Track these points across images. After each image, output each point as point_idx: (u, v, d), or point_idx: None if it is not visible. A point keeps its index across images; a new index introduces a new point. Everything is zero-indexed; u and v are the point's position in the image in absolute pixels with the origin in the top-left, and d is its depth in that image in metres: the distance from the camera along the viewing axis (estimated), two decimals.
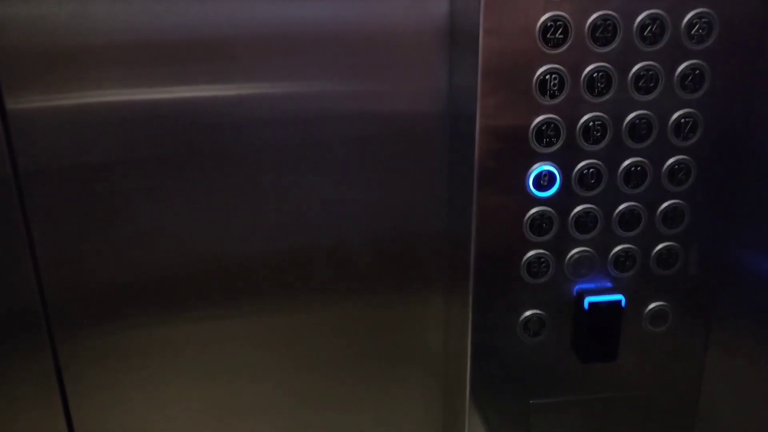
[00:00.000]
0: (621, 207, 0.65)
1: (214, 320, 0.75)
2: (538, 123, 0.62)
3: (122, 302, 0.73)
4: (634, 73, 0.61)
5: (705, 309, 0.71)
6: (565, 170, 0.63)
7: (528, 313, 0.68)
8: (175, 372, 0.76)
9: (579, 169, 0.64)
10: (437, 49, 0.67)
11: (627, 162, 0.64)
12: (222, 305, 0.74)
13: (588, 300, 0.67)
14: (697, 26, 0.60)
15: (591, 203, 0.65)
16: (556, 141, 0.62)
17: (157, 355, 0.75)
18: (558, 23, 0.59)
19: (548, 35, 0.59)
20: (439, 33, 0.66)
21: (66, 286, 0.71)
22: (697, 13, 0.60)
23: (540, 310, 0.68)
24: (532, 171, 0.63)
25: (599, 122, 0.62)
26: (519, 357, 0.70)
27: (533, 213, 0.65)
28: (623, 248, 0.67)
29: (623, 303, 0.68)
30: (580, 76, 0.61)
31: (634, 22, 0.60)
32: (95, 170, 0.67)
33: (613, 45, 0.60)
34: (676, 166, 0.65)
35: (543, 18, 0.59)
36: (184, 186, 0.69)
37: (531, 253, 0.66)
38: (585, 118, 0.62)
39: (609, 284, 0.68)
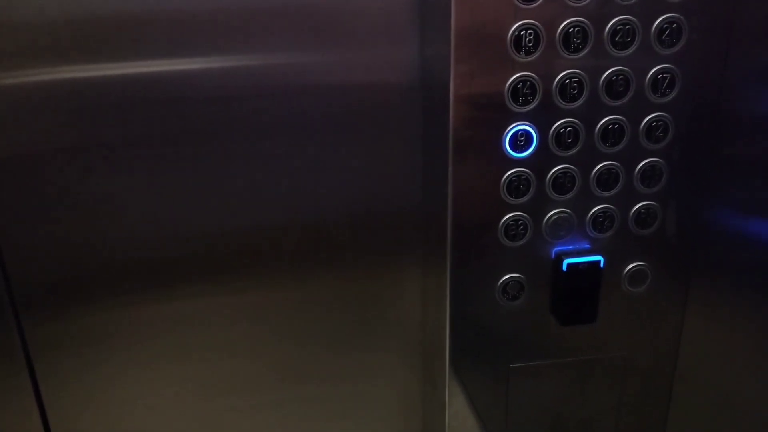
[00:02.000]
0: (598, 166, 0.65)
1: (188, 299, 0.73)
2: (513, 81, 0.60)
3: (92, 285, 0.71)
4: (610, 28, 0.60)
5: (684, 269, 0.71)
6: (542, 130, 0.62)
7: (506, 277, 0.68)
8: (150, 352, 0.75)
9: (556, 129, 0.62)
10: (408, 16, 0.65)
11: (604, 120, 0.63)
12: (196, 283, 0.73)
13: (566, 262, 0.66)
14: None
15: (568, 163, 0.64)
16: (532, 99, 0.61)
17: (131, 336, 0.74)
18: None
19: None
20: (410, 2, 0.64)
21: (31, 270, 0.69)
22: None
23: (518, 273, 0.68)
24: (509, 131, 0.62)
25: (576, 79, 0.61)
26: (498, 322, 0.70)
27: (510, 175, 0.64)
28: (601, 208, 0.66)
29: (602, 264, 0.67)
30: (556, 32, 0.59)
31: None
32: (56, 152, 0.65)
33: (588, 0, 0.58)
34: (654, 124, 0.64)
35: None
36: (152, 164, 0.68)
37: (508, 215, 0.65)
38: (561, 75, 0.61)
39: (587, 245, 0.68)
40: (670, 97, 0.63)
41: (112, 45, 0.63)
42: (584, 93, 0.61)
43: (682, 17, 0.60)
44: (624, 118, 0.63)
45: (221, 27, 0.64)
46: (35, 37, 0.61)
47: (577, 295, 0.68)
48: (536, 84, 0.60)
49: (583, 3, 0.58)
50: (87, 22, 0.62)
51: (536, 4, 0.58)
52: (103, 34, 0.62)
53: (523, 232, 0.66)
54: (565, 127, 0.62)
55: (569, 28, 0.59)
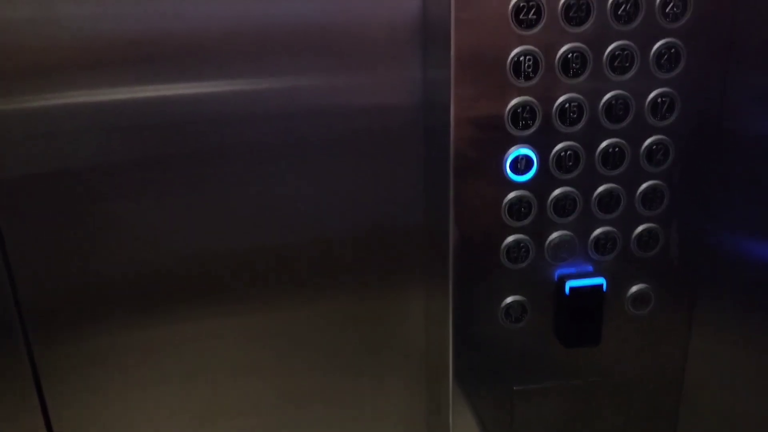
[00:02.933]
0: (600, 189, 0.65)
1: (195, 320, 0.74)
2: (513, 106, 0.61)
3: (100, 305, 0.71)
4: (609, 53, 0.60)
5: (688, 291, 0.71)
6: (542, 153, 0.63)
7: (509, 299, 0.68)
8: (156, 373, 0.75)
9: (556, 152, 0.63)
10: (411, 40, 0.66)
11: (604, 143, 0.63)
12: (202, 304, 0.73)
13: (569, 284, 0.66)
14: (671, 4, 0.59)
15: (569, 186, 0.64)
16: (532, 123, 0.61)
17: (138, 357, 0.74)
18: (531, 4, 0.58)
19: (521, 16, 0.58)
20: (412, 25, 0.66)
21: (41, 290, 0.70)
22: None
23: (521, 295, 0.68)
24: (509, 155, 0.62)
25: (575, 103, 0.61)
26: (501, 343, 0.70)
27: (511, 198, 0.64)
28: (603, 231, 0.67)
29: (605, 287, 0.67)
30: (555, 57, 0.60)
31: (608, 1, 0.59)
32: (67, 174, 0.66)
33: (587, 25, 0.59)
34: (654, 147, 0.64)
35: None
36: (160, 186, 0.68)
37: (510, 238, 0.66)
38: (561, 99, 0.61)
39: (590, 268, 0.68)
40: (670, 120, 0.63)
41: (118, 69, 0.64)
42: (584, 117, 0.62)
43: (680, 42, 0.61)
44: (624, 142, 0.63)
45: (226, 51, 0.65)
46: (43, 61, 0.62)
47: (581, 317, 0.68)
48: (536, 108, 0.61)
49: (582, 29, 0.59)
50: (93, 45, 0.63)
51: (535, 31, 0.59)
52: (110, 57, 0.63)
53: (525, 254, 0.66)
54: (566, 151, 0.63)
55: (568, 54, 0.60)
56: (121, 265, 0.70)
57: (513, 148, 0.62)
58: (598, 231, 0.66)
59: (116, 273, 0.71)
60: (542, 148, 0.63)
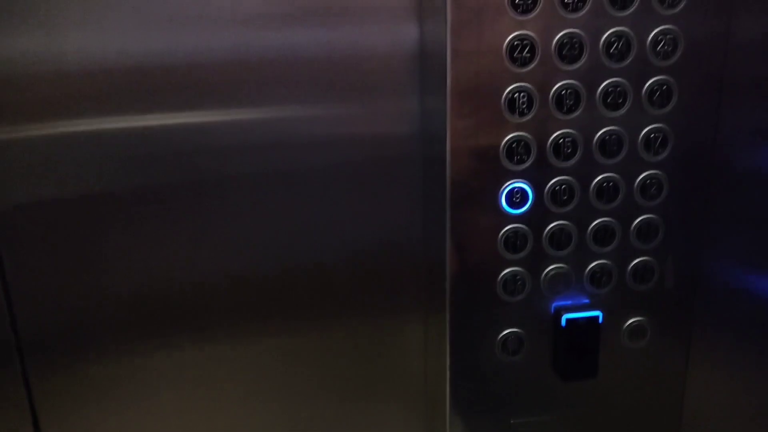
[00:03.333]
0: (595, 223, 0.66)
1: (191, 348, 0.74)
2: (508, 141, 0.62)
3: (98, 333, 0.72)
4: (602, 90, 0.62)
5: (684, 323, 0.71)
6: (538, 187, 0.64)
7: (506, 331, 0.68)
8: (154, 402, 0.75)
9: (551, 186, 0.64)
10: (409, 72, 0.67)
11: (599, 178, 0.64)
12: (199, 333, 0.74)
13: (565, 317, 0.67)
14: (662, 43, 0.61)
15: (565, 219, 0.65)
16: (527, 158, 0.62)
17: (135, 386, 0.74)
18: (525, 42, 0.59)
19: (515, 54, 0.60)
20: (410, 57, 0.67)
21: (39, 317, 0.70)
22: (661, 30, 0.60)
23: (518, 328, 0.68)
24: (505, 188, 0.63)
25: (569, 139, 0.62)
26: (498, 376, 0.70)
27: (507, 230, 0.65)
28: (599, 264, 0.67)
29: (601, 319, 0.67)
30: (549, 94, 0.61)
31: (600, 40, 0.60)
32: (68, 202, 0.67)
33: (580, 63, 0.61)
34: (648, 181, 0.65)
35: (510, 37, 0.59)
36: (158, 215, 0.69)
37: (507, 270, 0.66)
38: (555, 135, 0.62)
39: (586, 300, 0.68)
40: (663, 155, 0.64)
41: (119, 99, 0.65)
42: (578, 152, 0.63)
43: (671, 79, 0.62)
44: (618, 176, 0.64)
45: (226, 82, 0.66)
46: (47, 91, 0.64)
47: (577, 350, 0.68)
48: (530, 143, 0.62)
49: (575, 67, 0.61)
50: (96, 76, 0.64)
51: (529, 68, 0.60)
52: (111, 88, 0.64)
53: (521, 287, 0.67)
54: (560, 185, 0.64)
55: (562, 91, 0.61)
56: (119, 292, 0.71)
57: (508, 182, 0.63)
58: (593, 264, 0.67)
59: (114, 301, 0.71)
60: (537, 182, 0.64)
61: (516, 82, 0.60)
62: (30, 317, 0.70)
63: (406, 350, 0.77)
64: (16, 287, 0.69)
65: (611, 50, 0.60)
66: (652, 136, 0.63)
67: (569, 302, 0.68)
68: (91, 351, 0.72)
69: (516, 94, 0.61)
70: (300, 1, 0.65)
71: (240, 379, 0.76)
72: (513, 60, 0.60)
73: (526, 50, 0.60)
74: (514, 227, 0.65)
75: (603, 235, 0.66)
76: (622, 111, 0.62)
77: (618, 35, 0.60)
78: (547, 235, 0.65)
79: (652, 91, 0.62)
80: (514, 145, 0.62)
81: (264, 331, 0.75)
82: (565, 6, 0.59)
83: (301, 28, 0.65)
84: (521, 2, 0.58)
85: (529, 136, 0.62)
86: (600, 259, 0.67)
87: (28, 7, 0.61)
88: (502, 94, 0.61)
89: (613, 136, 0.63)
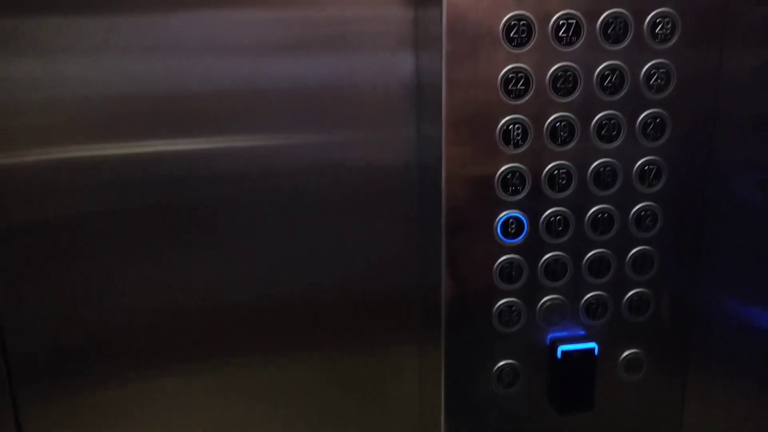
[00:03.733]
0: (590, 254, 0.66)
1: (183, 376, 0.73)
2: (503, 172, 0.62)
3: (89, 360, 0.71)
4: (596, 122, 0.62)
5: (681, 355, 0.71)
6: (532, 218, 0.64)
7: (501, 363, 0.68)
8: (145, 429, 0.74)
9: (546, 217, 0.64)
10: (405, 102, 0.68)
11: (594, 209, 0.64)
12: (192, 360, 0.73)
13: (561, 349, 0.66)
14: (655, 76, 0.62)
15: (560, 250, 0.65)
16: (522, 189, 0.63)
17: (126, 413, 0.73)
18: (519, 75, 0.60)
19: (510, 87, 0.60)
20: (407, 87, 0.67)
21: (29, 344, 0.69)
22: (654, 64, 0.61)
23: (513, 359, 0.68)
24: (500, 219, 0.63)
25: (564, 170, 0.63)
26: (494, 408, 0.69)
27: (502, 261, 0.65)
28: (594, 295, 0.67)
29: (596, 351, 0.67)
30: (543, 126, 0.62)
31: (594, 73, 0.61)
32: (61, 228, 0.67)
33: (575, 95, 0.61)
34: (643, 213, 0.65)
35: (504, 70, 0.60)
36: (152, 241, 0.69)
37: (502, 301, 0.66)
38: (549, 166, 0.63)
39: (582, 332, 0.68)
40: (658, 187, 0.64)
41: (115, 126, 0.65)
42: (573, 183, 0.63)
43: (665, 112, 0.63)
44: (613, 208, 0.64)
45: (222, 109, 0.66)
46: (44, 118, 0.64)
47: (573, 382, 0.67)
48: (525, 174, 0.62)
49: (569, 99, 0.61)
50: (92, 104, 0.64)
51: (524, 100, 0.61)
52: (107, 115, 0.65)
53: (516, 318, 0.66)
54: (555, 216, 0.64)
55: (556, 123, 0.62)
56: (110, 319, 0.70)
57: (503, 212, 0.63)
58: (589, 295, 0.67)
59: (106, 328, 0.70)
60: (532, 212, 0.64)
61: (511, 114, 0.61)
62: (20, 344, 0.69)
63: (401, 380, 0.77)
64: (6, 313, 0.68)
65: (605, 83, 0.61)
66: (647, 168, 0.64)
67: (565, 334, 0.67)
68: (82, 379, 0.71)
69: (511, 126, 0.61)
70: (297, 31, 0.65)
71: (232, 409, 0.75)
72: (508, 92, 0.60)
73: (521, 83, 0.60)
74: (509, 258, 0.65)
75: (598, 266, 0.66)
76: (617, 143, 0.63)
77: (612, 69, 0.61)
78: (542, 265, 0.65)
79: (645, 123, 0.63)
80: (509, 176, 0.62)
81: (256, 359, 0.74)
82: (559, 40, 0.60)
83: (297, 58, 0.66)
84: (516, 36, 0.59)
85: (523, 167, 0.62)
86: (595, 290, 0.67)
87: (26, 34, 0.62)
88: (497, 126, 0.61)
89: (608, 168, 0.63)
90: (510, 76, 0.60)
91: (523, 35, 0.59)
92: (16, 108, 0.63)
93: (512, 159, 0.62)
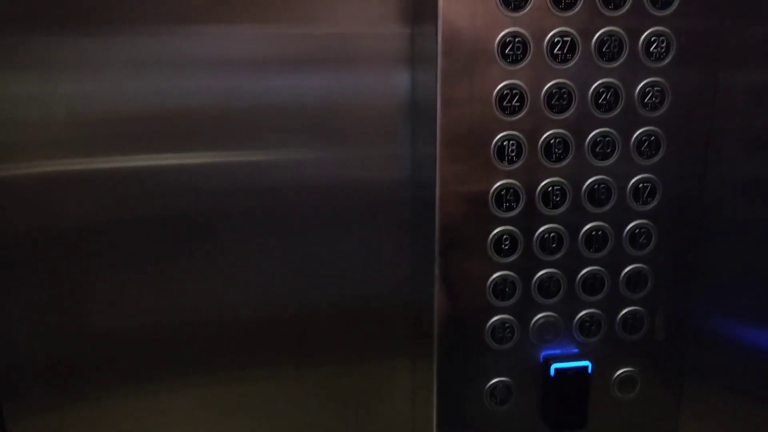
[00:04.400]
0: (584, 271, 0.65)
1: (176, 390, 0.73)
2: (497, 188, 0.62)
3: (79, 376, 0.71)
4: (590, 140, 0.62)
5: (675, 374, 0.70)
6: (526, 235, 0.63)
7: (494, 380, 0.67)
8: None
9: (540, 234, 0.64)
10: (400, 118, 0.68)
11: (588, 226, 0.64)
12: (185, 374, 0.72)
13: (554, 366, 0.66)
14: (650, 94, 0.62)
15: (553, 267, 0.65)
16: (516, 206, 0.62)
17: (113, 426, 0.73)
18: (514, 91, 0.60)
19: (505, 103, 0.60)
20: (402, 103, 0.67)
21: (14, 357, 0.69)
22: (649, 82, 0.61)
23: (506, 377, 0.67)
24: (493, 235, 0.63)
25: (558, 187, 0.63)
26: (486, 425, 0.68)
27: (496, 277, 0.64)
28: (588, 313, 0.67)
29: (590, 369, 0.66)
30: (538, 143, 0.61)
31: (588, 91, 0.61)
32: (49, 242, 0.67)
33: (569, 112, 0.61)
34: (637, 230, 0.65)
35: (499, 86, 0.60)
36: (145, 255, 0.69)
37: (495, 318, 0.65)
38: (544, 183, 0.62)
39: (575, 350, 0.67)
40: (652, 205, 0.64)
41: (111, 141, 0.65)
42: (567, 200, 0.63)
43: (659, 130, 0.62)
44: (607, 225, 0.64)
45: (218, 125, 0.66)
46: (35, 132, 0.64)
47: (566, 400, 0.67)
48: (519, 191, 0.62)
49: (564, 116, 0.61)
50: (88, 119, 0.64)
51: (518, 117, 0.61)
52: (104, 130, 0.65)
53: (510, 335, 0.66)
54: (549, 233, 0.64)
55: (551, 140, 0.61)
56: (100, 334, 0.70)
57: (497, 228, 0.63)
58: (582, 313, 0.66)
59: (97, 341, 0.70)
60: (526, 229, 0.63)
61: (505, 131, 0.61)
62: (7, 358, 0.69)
63: (393, 396, 0.76)
64: None
65: (600, 101, 0.61)
66: (641, 185, 0.64)
67: (558, 351, 0.67)
68: (71, 392, 0.71)
69: (505, 142, 0.61)
70: (293, 48, 0.65)
71: (223, 423, 0.75)
72: (502, 109, 0.60)
73: (516, 99, 0.60)
74: (502, 274, 0.64)
75: (592, 283, 0.66)
76: (611, 161, 0.63)
77: (606, 86, 0.61)
78: (535, 282, 0.65)
79: (640, 141, 0.63)
80: (503, 192, 0.62)
81: (248, 374, 0.74)
82: (554, 57, 0.60)
83: (292, 74, 0.66)
84: (511, 52, 0.59)
85: (518, 183, 0.62)
86: (589, 308, 0.66)
87: (21, 49, 0.62)
88: (492, 142, 0.61)
89: (602, 186, 0.63)
90: (505, 92, 0.60)
91: (518, 52, 0.59)
92: (12, 123, 0.63)
93: (506, 175, 0.62)
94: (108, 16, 0.62)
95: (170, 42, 0.64)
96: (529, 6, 0.58)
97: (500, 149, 0.61)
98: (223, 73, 0.65)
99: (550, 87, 0.60)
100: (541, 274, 0.65)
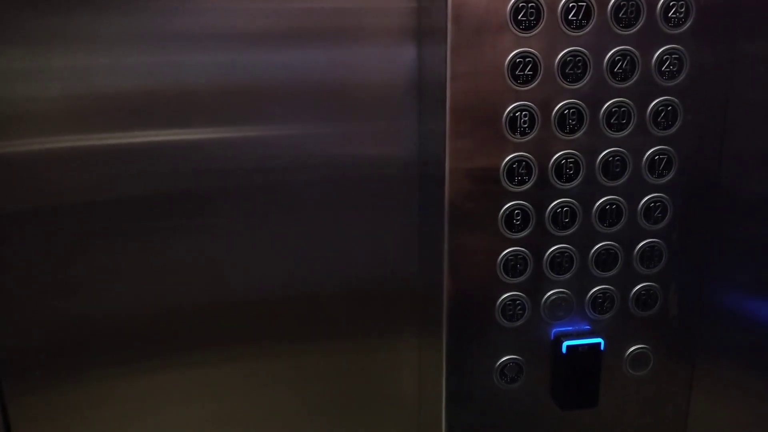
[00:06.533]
0: (597, 247, 0.64)
1: (180, 370, 0.72)
2: (508, 161, 0.60)
3: (80, 355, 0.69)
4: (605, 110, 0.60)
5: (687, 351, 0.69)
6: (538, 209, 0.62)
7: (504, 358, 0.66)
8: (139, 424, 0.73)
9: (552, 208, 0.62)
10: (406, 93, 0.66)
11: (601, 200, 0.62)
12: (188, 354, 0.72)
13: (566, 344, 0.64)
14: (667, 62, 0.59)
15: (566, 243, 0.63)
16: (528, 179, 0.61)
17: (120, 409, 0.72)
18: (527, 60, 0.58)
19: (517, 72, 0.58)
20: (408, 78, 0.65)
21: (16, 339, 0.68)
22: (666, 49, 0.59)
23: (517, 355, 0.66)
24: (505, 210, 0.61)
25: (572, 160, 0.61)
26: (496, 404, 0.67)
27: (507, 254, 0.63)
28: (601, 289, 0.65)
29: (602, 346, 0.65)
30: (551, 114, 0.59)
31: (604, 59, 0.59)
32: (45, 219, 0.65)
33: (584, 81, 0.59)
34: (652, 204, 0.63)
35: (511, 55, 0.57)
36: (147, 233, 0.67)
37: (505, 295, 0.64)
38: (557, 155, 0.60)
39: (587, 327, 0.66)
40: (667, 178, 0.62)
41: (107, 117, 0.63)
42: (580, 174, 0.61)
43: (676, 100, 0.60)
44: (621, 199, 0.62)
45: (220, 100, 0.64)
46: (29, 107, 0.62)
47: (578, 378, 0.66)
48: (532, 164, 0.60)
49: (578, 85, 0.59)
50: (83, 94, 0.63)
51: (531, 86, 0.58)
52: (99, 106, 0.63)
53: (521, 312, 0.64)
54: (562, 207, 0.62)
55: (564, 110, 0.59)
56: (99, 313, 0.69)
57: (508, 203, 0.61)
58: (595, 289, 0.65)
59: (99, 322, 0.69)
60: (538, 204, 0.62)
61: (517, 101, 0.59)
62: (7, 338, 0.67)
63: (401, 375, 0.75)
64: None
65: (615, 69, 0.59)
66: (656, 158, 0.62)
67: (570, 328, 0.65)
68: (73, 374, 0.70)
69: (517, 113, 0.59)
70: (297, 22, 0.63)
71: (229, 403, 0.74)
72: (515, 78, 0.58)
73: (528, 68, 0.58)
74: (513, 250, 0.63)
75: (605, 259, 0.64)
76: (626, 132, 0.61)
77: (622, 54, 0.59)
78: (547, 258, 0.63)
79: (656, 112, 0.60)
80: (514, 166, 0.60)
81: (255, 354, 0.73)
82: (569, 23, 0.57)
83: (298, 49, 0.64)
84: (524, 18, 0.57)
85: (530, 156, 0.60)
86: (602, 284, 0.65)
87: (12, 23, 0.60)
88: (503, 113, 0.59)
89: (617, 158, 0.61)
90: (517, 60, 0.58)
91: (532, 18, 0.57)
92: (4, 98, 0.61)
93: (518, 148, 0.60)
94: None
95: (169, 15, 0.62)
96: None
97: (512, 120, 0.59)
98: (224, 48, 0.63)
99: (564, 55, 0.58)
100: (553, 250, 0.63)
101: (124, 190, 0.66)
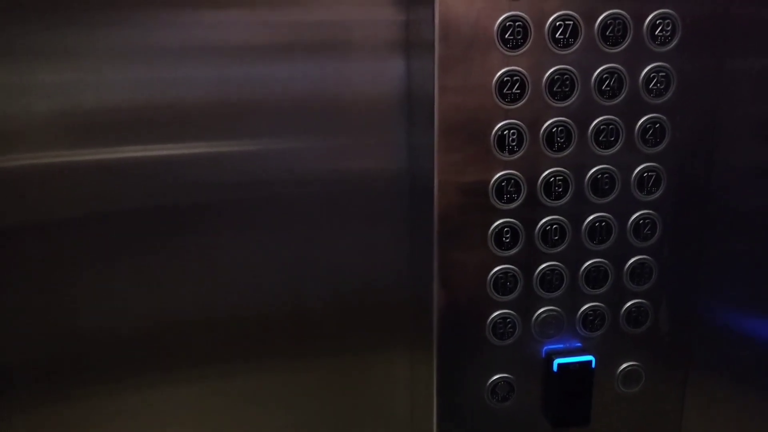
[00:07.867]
0: (587, 264, 0.63)
1: (174, 385, 0.71)
2: (497, 179, 0.60)
3: (74, 371, 0.69)
4: (593, 128, 0.60)
5: (679, 368, 0.69)
6: (528, 227, 0.61)
7: (495, 377, 0.65)
8: None
9: (542, 226, 0.62)
10: (396, 108, 0.66)
11: (591, 217, 0.62)
12: (182, 369, 0.71)
13: (557, 362, 0.64)
14: (655, 80, 0.60)
15: (556, 260, 0.63)
16: (517, 197, 0.60)
17: (115, 425, 0.71)
18: (515, 78, 0.58)
19: (505, 90, 0.58)
20: (397, 92, 0.65)
21: (10, 355, 0.67)
22: (654, 67, 0.59)
23: (508, 373, 0.65)
24: (494, 228, 0.61)
25: (560, 177, 0.60)
26: (488, 422, 0.67)
27: (497, 271, 0.62)
28: (591, 306, 0.65)
29: (593, 364, 0.65)
30: (539, 131, 0.59)
31: (591, 77, 0.59)
32: (39, 234, 0.65)
33: (572, 99, 0.59)
34: (641, 221, 0.63)
35: (499, 73, 0.57)
36: (142, 249, 0.67)
37: (496, 313, 0.64)
38: (545, 173, 0.60)
39: (578, 344, 0.66)
40: (656, 195, 0.62)
41: (98, 131, 0.63)
42: (570, 191, 0.61)
43: (664, 117, 0.60)
44: (611, 216, 0.62)
45: (211, 114, 0.64)
46: (21, 123, 0.62)
47: (569, 396, 0.65)
48: (521, 182, 0.60)
49: (566, 103, 0.59)
50: (70, 110, 0.62)
51: (519, 105, 0.58)
52: (91, 120, 0.63)
53: (511, 330, 0.64)
54: (551, 225, 0.62)
55: (553, 128, 0.59)
56: (93, 330, 0.68)
57: (497, 221, 0.61)
58: (585, 307, 0.65)
59: (94, 338, 0.68)
60: (527, 221, 0.61)
61: (505, 119, 0.59)
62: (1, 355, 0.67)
63: (392, 391, 0.75)
64: None
65: (603, 87, 0.59)
66: (645, 175, 0.62)
67: (561, 346, 0.65)
68: (68, 390, 0.69)
69: (506, 132, 0.59)
70: (287, 36, 0.64)
71: (221, 417, 0.73)
72: (502, 96, 0.58)
73: (516, 86, 0.58)
74: (503, 268, 0.62)
75: (595, 276, 0.64)
76: (615, 149, 0.61)
77: (610, 72, 0.59)
78: (537, 276, 0.63)
79: (645, 129, 0.61)
80: (503, 183, 0.60)
81: (246, 368, 0.72)
82: (556, 42, 0.57)
83: (287, 63, 0.64)
84: (511, 37, 0.57)
85: (518, 174, 0.60)
86: (592, 301, 0.65)
87: (5, 40, 0.60)
88: (491, 131, 0.59)
89: (605, 175, 0.61)
90: (505, 79, 0.58)
91: (519, 37, 0.57)
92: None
93: (507, 165, 0.60)
94: (92, 2, 0.60)
95: (158, 29, 0.62)
96: None
97: (500, 138, 0.59)
98: (213, 62, 0.63)
99: (551, 73, 0.58)
100: (543, 268, 0.63)
101: (115, 206, 0.65)
